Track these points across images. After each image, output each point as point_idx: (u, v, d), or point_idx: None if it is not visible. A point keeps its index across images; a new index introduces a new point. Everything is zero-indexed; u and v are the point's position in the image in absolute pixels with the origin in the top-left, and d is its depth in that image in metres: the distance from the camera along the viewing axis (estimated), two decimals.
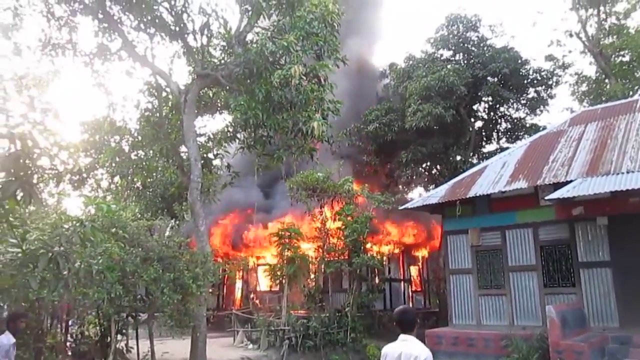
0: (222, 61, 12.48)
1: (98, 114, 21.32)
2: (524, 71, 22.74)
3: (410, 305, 21.97)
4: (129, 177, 20.50)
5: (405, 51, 26.63)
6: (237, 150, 13.09)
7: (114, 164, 21.23)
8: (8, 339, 6.31)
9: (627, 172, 11.08)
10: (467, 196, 13.23)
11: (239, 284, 23.42)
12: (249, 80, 10.94)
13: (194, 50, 13.20)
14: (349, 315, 16.12)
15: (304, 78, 10.39)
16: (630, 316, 11.15)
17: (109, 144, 20.57)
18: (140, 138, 16.03)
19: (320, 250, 17.55)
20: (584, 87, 24.59)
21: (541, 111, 23.77)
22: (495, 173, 13.76)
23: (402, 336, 4.26)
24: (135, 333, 11.92)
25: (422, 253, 23.39)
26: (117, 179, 23.83)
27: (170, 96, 15.09)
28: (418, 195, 23.73)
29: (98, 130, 21.52)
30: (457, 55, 23.67)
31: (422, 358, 4.05)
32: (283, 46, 10.17)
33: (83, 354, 10.73)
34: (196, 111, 13.21)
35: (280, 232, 16.25)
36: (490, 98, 23.18)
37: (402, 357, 4.11)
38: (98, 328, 11.27)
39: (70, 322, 10.96)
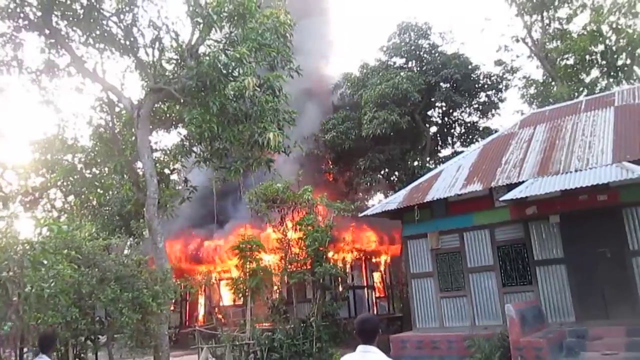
0: (175, 75, 12.30)
1: (48, 132, 20.76)
2: (474, 76, 23.38)
3: (375, 311, 22.11)
4: (84, 196, 19.98)
5: (360, 60, 27.00)
6: (193, 164, 12.91)
7: (67, 183, 20.68)
8: None
9: (576, 171, 11.50)
10: (425, 200, 13.44)
11: (201, 300, 23.07)
12: (202, 93, 10.81)
13: (146, 64, 12.98)
14: (314, 325, 16.03)
15: (258, 89, 10.36)
16: (585, 310, 11.52)
17: (61, 163, 20.03)
18: (93, 155, 15.64)
19: (283, 261, 17.46)
20: (532, 90, 25.41)
21: (493, 114, 24.49)
22: (451, 177, 14.04)
23: (361, 347, 3.92)
24: (94, 357, 11.55)
25: (384, 259, 23.58)
26: (71, 198, 23.20)
27: (123, 112, 14.79)
28: (378, 202, 23.96)
29: (49, 149, 20.93)
30: (410, 62, 24.15)
31: None
32: (236, 58, 10.12)
33: None
34: (150, 126, 12.97)
35: (241, 245, 16.08)
36: (443, 103, 23.72)
37: None
38: (55, 354, 10.86)
39: (25, 350, 10.53)
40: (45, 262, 5.73)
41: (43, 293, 5.73)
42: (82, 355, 10.90)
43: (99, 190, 18.61)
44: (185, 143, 13.18)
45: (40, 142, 21.17)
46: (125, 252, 12.92)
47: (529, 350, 10.03)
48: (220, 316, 20.38)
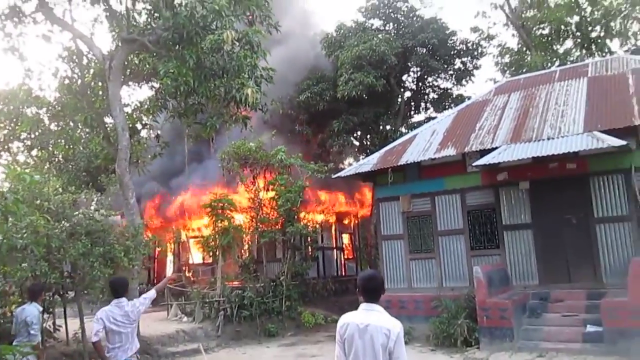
0: (149, 26, 11.88)
1: (11, 83, 19.92)
2: (451, 42, 23.34)
3: (343, 272, 22.45)
4: (50, 149, 19.40)
5: (337, 20, 26.57)
6: (167, 119, 12.64)
7: (32, 136, 20.00)
8: (38, 308, 6.89)
9: (548, 139, 11.68)
10: (399, 164, 13.50)
11: (170, 258, 22.99)
12: (178, 46, 10.50)
13: (118, 14, 12.49)
14: (284, 284, 16.25)
15: (237, 44, 10.11)
16: (548, 274, 11.91)
17: (25, 115, 19.32)
18: (60, 108, 15.12)
19: (254, 221, 17.47)
20: (506, 59, 25.52)
21: (467, 82, 24.61)
22: (425, 141, 14.11)
23: (365, 305, 3.75)
24: (63, 311, 11.42)
25: (353, 221, 23.82)
26: (34, 152, 22.50)
27: (92, 63, 14.27)
28: (348, 165, 24.06)
29: (12, 99, 20.12)
30: (388, 25, 23.93)
31: (395, 332, 3.57)
32: (214, 10, 9.80)
33: (7, 335, 10.19)
34: (122, 79, 12.59)
35: (213, 203, 16.00)
36: (418, 68, 23.69)
37: (369, 330, 3.60)
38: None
39: None
40: (16, 212, 5.53)
41: (15, 244, 5.57)
42: (50, 309, 10.78)
43: (66, 144, 18.10)
44: (159, 97, 12.84)
45: (1, 92, 20.29)
46: (93, 207, 12.62)
47: (494, 311, 10.37)
48: (189, 274, 20.39)
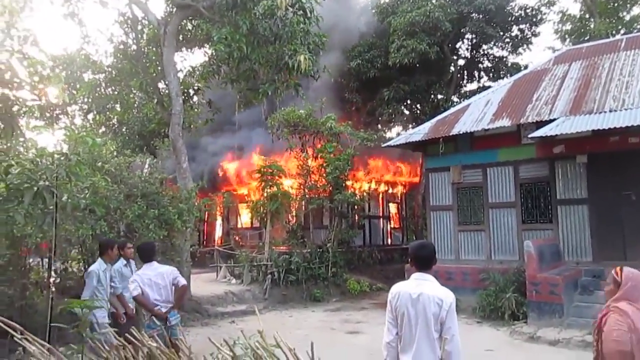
0: None
1: (68, 48, 20.51)
2: (509, 8, 22.37)
3: (389, 241, 22.46)
4: (106, 114, 20.03)
5: None
6: (220, 84, 12.77)
7: (88, 100, 20.65)
8: (99, 265, 6.88)
9: (610, 111, 11.18)
10: (450, 134, 13.25)
11: (219, 221, 23.56)
12: (232, 12, 10.51)
13: None
14: (330, 250, 16.41)
15: (290, 10, 10.04)
16: (602, 251, 11.56)
17: (82, 79, 19.93)
18: (115, 73, 15.50)
19: (302, 188, 17.62)
20: (567, 26, 24.35)
21: (524, 50, 23.67)
22: (478, 111, 13.76)
23: (418, 274, 3.74)
24: None
25: (401, 190, 23.67)
26: (90, 116, 23.27)
27: (146, 29, 14.51)
28: (396, 134, 23.78)
29: (70, 64, 20.77)
30: None
31: (448, 302, 3.57)
32: None
33: (68, 290, 10.75)
34: (176, 44, 12.75)
35: (262, 169, 16.19)
36: (473, 36, 22.90)
37: (422, 300, 3.59)
38: (82, 264, 11.25)
39: (53, 259, 10.90)
40: (79, 173, 5.77)
41: (79, 204, 5.82)
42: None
43: (120, 108, 18.62)
44: (212, 63, 12.96)
45: (60, 57, 20.93)
46: (146, 170, 13.02)
47: (544, 286, 10.18)
48: (238, 238, 20.87)
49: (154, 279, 6.17)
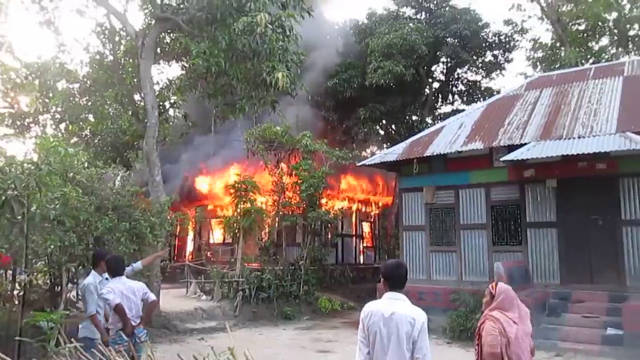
0: (183, 5, 11.93)
1: (42, 56, 20.17)
2: (483, 34, 22.97)
3: (361, 260, 22.49)
4: (79, 124, 19.69)
5: (367, 7, 26.32)
6: (197, 99, 12.73)
7: (61, 109, 20.30)
8: (94, 276, 6.56)
9: (579, 137, 11.49)
10: (425, 155, 13.43)
11: (190, 236, 23.27)
12: (211, 27, 10.53)
13: None
14: (302, 268, 16.35)
15: (269, 27, 10.10)
16: (571, 274, 11.78)
17: (56, 88, 19.61)
18: (89, 83, 15.31)
19: (276, 204, 17.57)
20: (539, 53, 25.04)
21: (497, 75, 24.27)
22: (452, 133, 13.98)
23: (390, 294, 3.75)
24: None
25: (374, 210, 23.79)
26: (63, 125, 22.85)
27: (123, 40, 14.42)
28: (371, 154, 23.97)
29: (44, 72, 20.42)
30: (419, 14, 23.66)
31: (420, 321, 3.58)
32: None
33: (32, 303, 10.46)
34: (153, 57, 12.70)
35: (236, 184, 16.11)
36: (448, 59, 23.40)
37: (395, 319, 3.59)
38: (48, 277, 10.95)
39: (17, 271, 10.60)
40: (49, 183, 5.67)
41: (48, 214, 5.70)
42: (74, 280, 11.03)
43: (95, 119, 18.34)
44: (189, 77, 12.93)
45: (32, 64, 20.58)
46: (117, 183, 12.83)
47: None
48: (209, 253, 20.64)
49: (125, 293, 6.06)
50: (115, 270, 6.25)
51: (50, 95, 19.42)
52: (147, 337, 6.15)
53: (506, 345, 3.74)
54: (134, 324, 5.97)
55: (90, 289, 6.41)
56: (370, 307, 3.78)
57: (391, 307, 3.67)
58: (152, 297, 6.28)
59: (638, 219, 11.18)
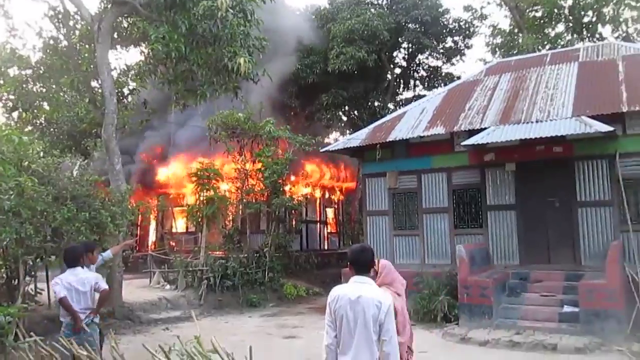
0: None
1: None
2: (443, 20, 23.20)
3: (326, 246, 22.60)
4: (33, 112, 19.03)
5: None
6: (156, 85, 12.44)
7: (13, 96, 19.55)
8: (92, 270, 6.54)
9: (537, 122, 11.76)
10: (387, 140, 13.52)
11: (153, 225, 22.90)
12: (170, 11, 10.28)
13: None
14: (267, 255, 16.33)
15: (230, 11, 9.92)
16: (529, 255, 12.14)
17: (7, 74, 18.85)
18: (44, 69, 14.78)
19: (239, 192, 17.44)
20: (498, 40, 25.42)
21: (457, 61, 24.61)
22: (414, 119, 14.11)
23: (357, 277, 3.80)
24: (45, 275, 11.35)
25: (338, 195, 23.91)
26: (15, 114, 22.02)
27: (78, 24, 13.96)
28: (334, 140, 24.03)
29: None
30: (381, 0, 23.63)
31: (387, 304, 3.64)
32: None
33: None
34: (110, 42, 12.32)
35: (199, 172, 15.90)
36: (410, 45, 23.57)
37: (361, 302, 3.62)
38: (3, 270, 10.59)
39: None
40: (3, 172, 5.46)
41: (3, 205, 5.50)
42: (32, 272, 10.70)
43: (50, 106, 17.74)
44: (148, 63, 12.62)
45: None
46: (75, 172, 12.47)
47: (475, 289, 10.54)
48: (172, 242, 20.37)
49: (74, 284, 6.00)
50: (71, 260, 6.17)
51: (1, 81, 18.69)
52: (96, 331, 6.05)
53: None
54: (82, 316, 5.90)
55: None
56: (337, 291, 3.82)
57: (357, 290, 3.70)
58: (103, 286, 6.20)
59: (592, 201, 11.58)
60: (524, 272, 11.50)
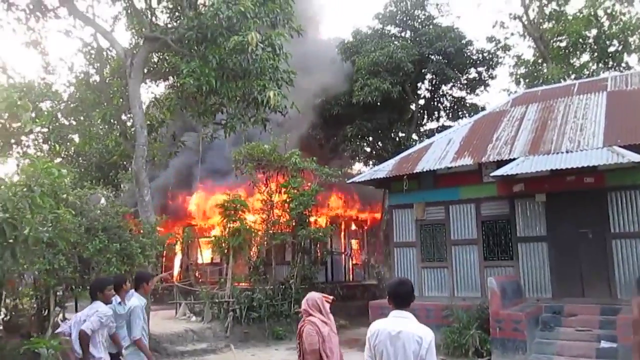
0: (171, 25, 11.93)
1: (26, 76, 20.00)
2: (467, 51, 23.29)
3: (351, 277, 22.38)
4: (65, 144, 19.48)
5: (353, 26, 26.61)
6: (187, 117, 12.65)
7: (46, 130, 20.07)
8: (139, 299, 6.29)
9: (566, 152, 11.63)
10: (414, 171, 13.48)
11: (178, 256, 22.99)
12: (201, 46, 10.53)
13: (140, 11, 12.55)
14: (293, 287, 16.21)
15: (260, 46, 10.12)
16: (562, 287, 11.85)
17: (40, 108, 19.39)
18: (75, 104, 15.17)
19: (265, 223, 17.45)
20: (522, 70, 25.44)
21: (481, 91, 24.56)
22: (441, 149, 14.08)
23: (396, 312, 3.75)
24: (74, 306, 11.43)
25: (363, 227, 23.78)
26: (46, 147, 22.56)
27: (110, 60, 14.34)
28: (357, 171, 24.04)
29: (28, 93, 20.19)
30: (404, 32, 23.95)
31: (428, 340, 3.58)
32: (239, 11, 9.82)
33: (18, 328, 10.21)
34: (141, 77, 12.63)
35: (225, 204, 15.99)
36: (434, 76, 23.65)
37: (402, 337, 3.58)
38: (34, 300, 10.71)
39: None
40: (42, 205, 5.56)
41: (41, 237, 5.59)
42: (62, 303, 10.79)
43: (81, 139, 18.13)
44: (179, 96, 12.87)
45: (16, 85, 20.35)
46: (102, 203, 12.65)
47: (507, 323, 10.29)
48: (198, 274, 20.40)
49: (79, 322, 5.74)
50: (91, 294, 5.94)
51: (33, 115, 19.20)
52: None
53: (321, 342, 4.45)
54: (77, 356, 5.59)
55: (137, 311, 6.07)
56: (377, 325, 3.78)
57: (398, 325, 3.67)
58: (82, 326, 5.59)
59: (626, 232, 11.31)
60: (557, 305, 11.22)
